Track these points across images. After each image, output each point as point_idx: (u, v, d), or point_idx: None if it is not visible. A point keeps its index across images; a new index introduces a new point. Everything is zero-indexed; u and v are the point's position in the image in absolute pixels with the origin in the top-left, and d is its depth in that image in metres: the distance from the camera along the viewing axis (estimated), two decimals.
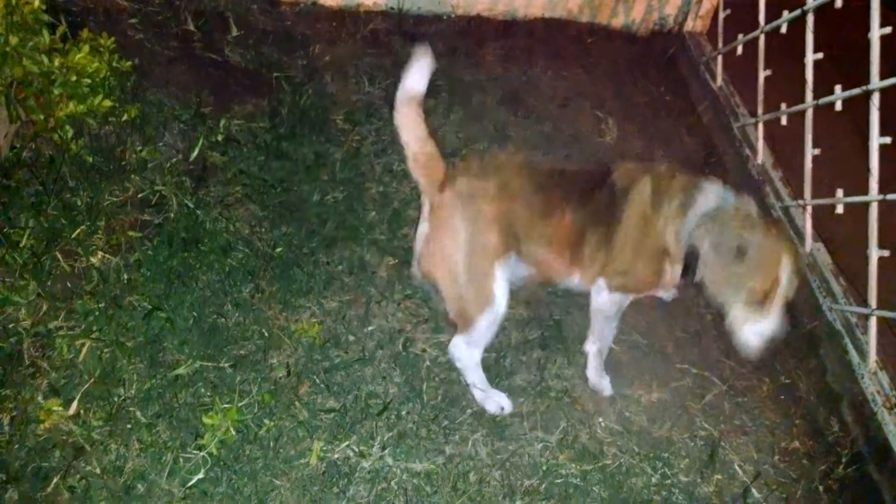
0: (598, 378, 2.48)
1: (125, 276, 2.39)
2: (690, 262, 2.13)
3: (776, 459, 2.44)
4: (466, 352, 2.30)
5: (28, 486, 1.93)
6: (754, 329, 2.09)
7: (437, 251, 2.22)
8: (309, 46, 3.41)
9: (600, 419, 2.40)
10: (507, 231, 2.18)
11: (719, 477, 2.34)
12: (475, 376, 2.35)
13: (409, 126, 2.19)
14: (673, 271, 2.22)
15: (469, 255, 2.17)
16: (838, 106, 2.70)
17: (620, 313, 2.39)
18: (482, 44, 3.71)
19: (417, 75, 2.13)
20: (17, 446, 1.99)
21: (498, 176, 2.19)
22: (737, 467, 2.38)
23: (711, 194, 2.14)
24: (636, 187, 2.19)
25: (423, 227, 2.25)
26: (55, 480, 1.95)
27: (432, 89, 3.31)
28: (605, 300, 2.29)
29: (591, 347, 2.46)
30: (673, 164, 2.25)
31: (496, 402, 2.36)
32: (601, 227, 2.20)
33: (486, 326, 2.22)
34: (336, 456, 2.15)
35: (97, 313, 2.28)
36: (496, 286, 2.19)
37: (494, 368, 2.44)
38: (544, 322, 2.61)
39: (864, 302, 2.53)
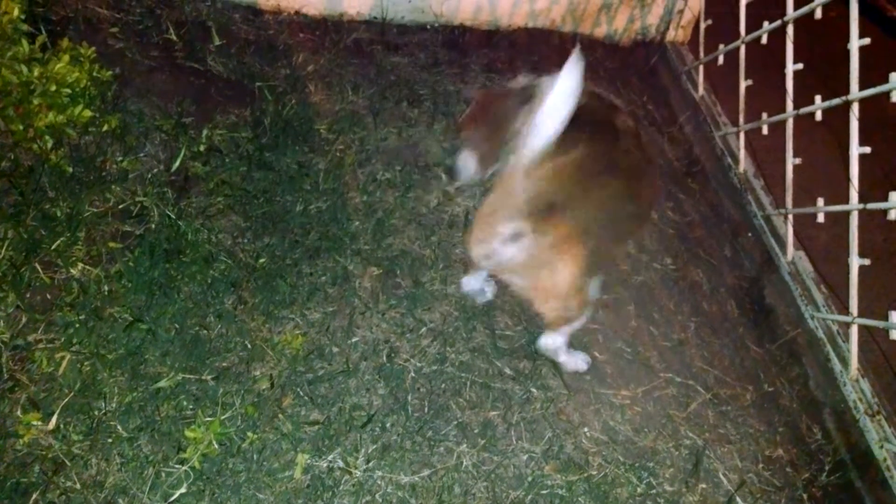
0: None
1: (106, 288, 2.36)
2: None
3: (760, 468, 2.45)
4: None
5: (7, 501, 1.90)
6: None
7: None
8: (292, 56, 3.39)
9: (585, 429, 2.40)
10: None
11: (704, 486, 2.35)
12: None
13: None
14: None
15: None
16: (818, 116, 2.73)
17: None
18: (466, 53, 3.72)
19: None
20: None
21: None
22: (721, 476, 2.39)
23: None
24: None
25: None
26: (34, 496, 1.92)
27: (415, 99, 3.35)
28: None
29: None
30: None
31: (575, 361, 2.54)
32: None
33: None
34: (320, 469, 2.13)
35: (77, 325, 2.25)
36: None
37: (481, 376, 2.44)
38: (530, 332, 2.60)
39: (845, 310, 2.54)
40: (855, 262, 2.50)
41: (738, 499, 2.34)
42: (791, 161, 2.86)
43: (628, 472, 2.32)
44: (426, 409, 2.33)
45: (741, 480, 2.39)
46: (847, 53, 2.55)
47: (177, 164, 2.74)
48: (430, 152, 3.13)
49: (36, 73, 2.47)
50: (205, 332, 2.35)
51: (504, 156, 2.64)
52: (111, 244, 2.47)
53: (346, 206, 2.83)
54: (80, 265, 2.38)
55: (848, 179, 2.54)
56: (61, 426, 2.05)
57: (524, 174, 2.03)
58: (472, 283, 2.63)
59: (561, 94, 1.91)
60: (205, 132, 2.88)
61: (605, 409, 2.47)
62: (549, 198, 2.06)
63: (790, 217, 2.88)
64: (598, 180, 2.16)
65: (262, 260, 2.57)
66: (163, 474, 2.03)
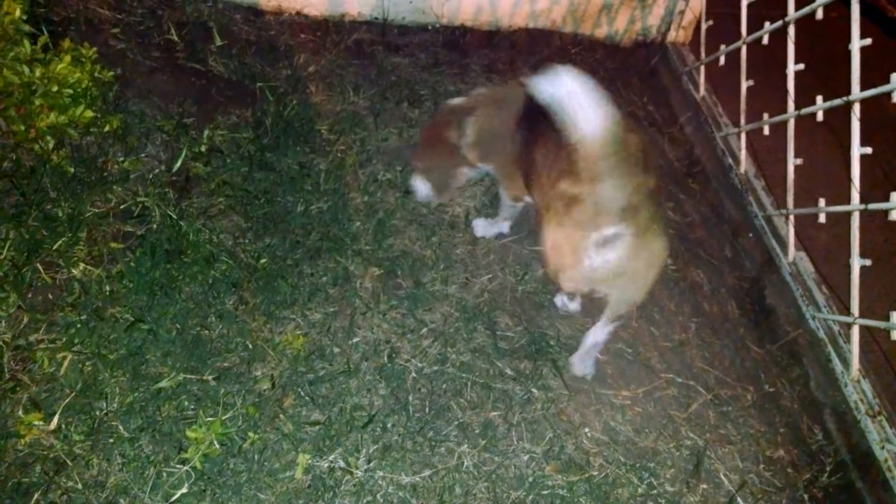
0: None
1: (107, 288, 2.36)
2: None
3: (761, 468, 2.45)
4: None
5: (8, 501, 1.90)
6: None
7: None
8: (293, 56, 3.40)
9: (586, 430, 2.40)
10: None
11: (705, 486, 2.35)
12: None
13: None
14: None
15: None
16: (819, 116, 2.73)
17: None
18: (466, 54, 3.72)
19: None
20: None
21: None
22: (722, 476, 2.39)
23: None
24: None
25: None
26: (36, 496, 1.92)
27: (416, 99, 3.35)
28: None
29: None
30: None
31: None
32: None
33: None
34: (321, 469, 2.13)
35: (79, 326, 2.26)
36: None
37: (482, 377, 2.44)
38: (531, 332, 2.60)
39: (846, 310, 2.54)
40: (856, 262, 2.50)
41: (739, 499, 2.34)
42: (792, 161, 2.86)
43: (629, 472, 2.32)
44: (427, 410, 2.33)
45: (742, 481, 2.39)
46: (848, 54, 2.55)
47: (178, 164, 2.74)
48: None
49: (37, 73, 2.48)
50: (206, 332, 2.35)
51: (454, 175, 2.71)
52: (112, 244, 2.47)
53: (347, 207, 2.84)
54: (82, 265, 2.38)
55: (849, 180, 2.54)
56: (63, 426, 2.06)
57: (591, 179, 1.92)
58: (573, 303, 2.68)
59: (579, 102, 1.84)
60: (206, 133, 2.89)
61: (605, 409, 2.47)
62: (624, 188, 1.93)
63: (791, 217, 2.88)
64: (642, 158, 2.07)
65: (263, 260, 2.57)
66: (164, 474, 2.03)
